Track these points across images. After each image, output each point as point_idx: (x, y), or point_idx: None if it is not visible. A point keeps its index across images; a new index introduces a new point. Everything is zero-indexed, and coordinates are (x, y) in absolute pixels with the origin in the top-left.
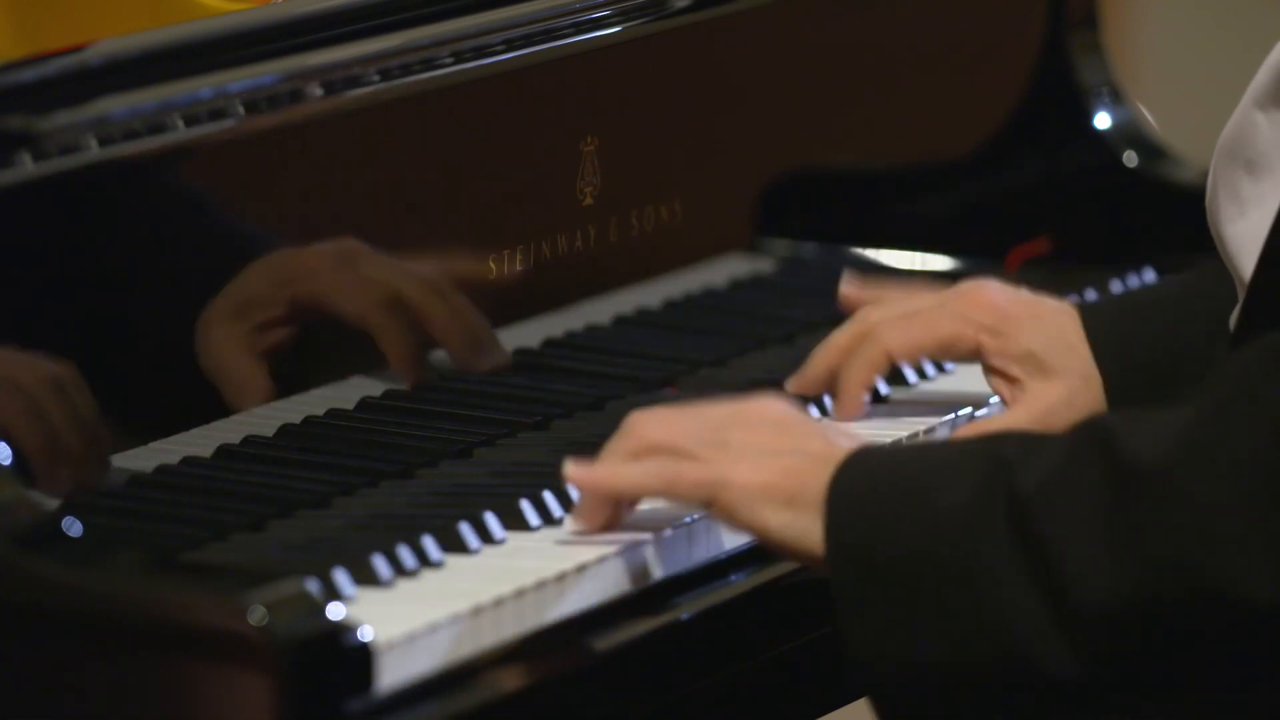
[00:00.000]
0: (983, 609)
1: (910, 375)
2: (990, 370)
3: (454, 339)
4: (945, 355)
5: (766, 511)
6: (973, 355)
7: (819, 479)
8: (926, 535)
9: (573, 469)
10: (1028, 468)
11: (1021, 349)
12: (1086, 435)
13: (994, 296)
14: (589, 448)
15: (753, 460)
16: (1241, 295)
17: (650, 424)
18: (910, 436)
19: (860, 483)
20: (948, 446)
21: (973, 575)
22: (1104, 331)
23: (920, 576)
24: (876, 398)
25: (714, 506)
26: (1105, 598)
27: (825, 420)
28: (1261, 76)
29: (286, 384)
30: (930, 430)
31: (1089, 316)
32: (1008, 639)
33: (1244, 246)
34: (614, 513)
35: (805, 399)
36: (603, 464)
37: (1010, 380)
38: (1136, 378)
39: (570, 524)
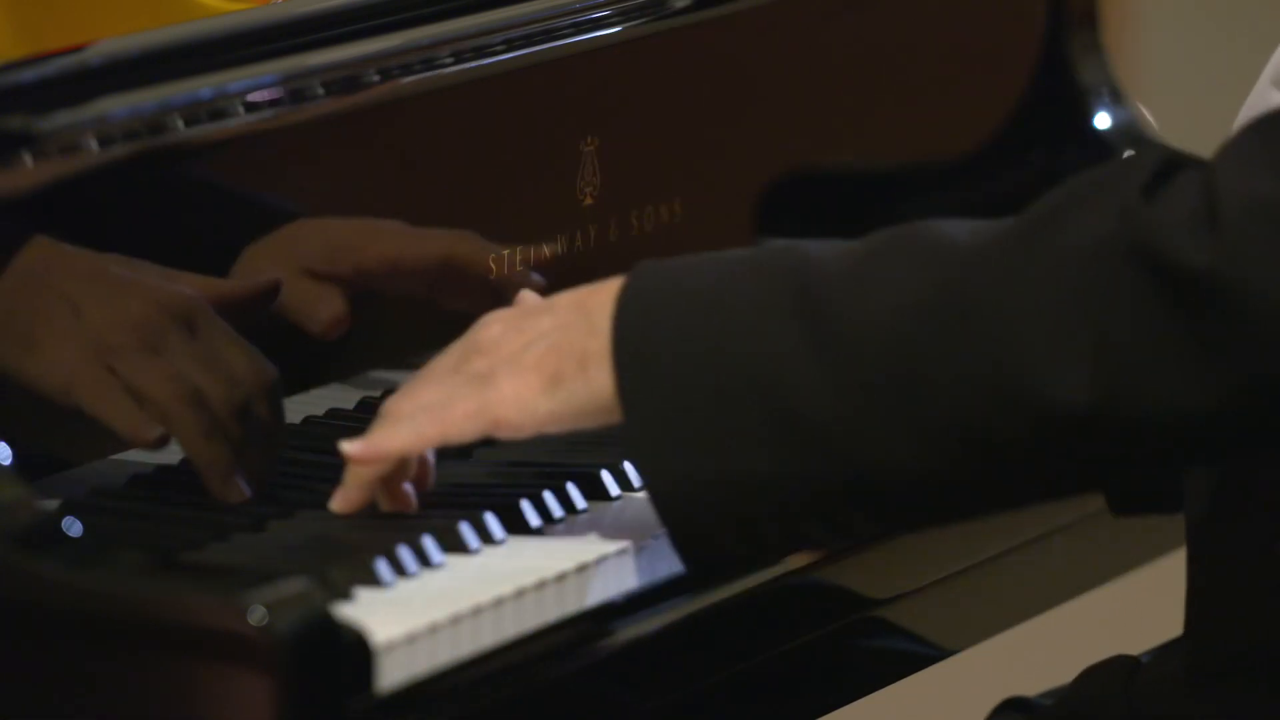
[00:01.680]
0: (778, 406)
1: None
2: None
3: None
4: None
5: (541, 402)
6: None
7: (573, 341)
8: (706, 327)
9: (346, 445)
10: (827, 261)
11: None
12: (892, 235)
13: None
14: (589, 447)
15: (507, 369)
16: None
17: (398, 399)
18: None
19: (646, 295)
20: (743, 253)
21: (762, 369)
22: None
23: (706, 373)
24: None
25: (498, 430)
26: (912, 391)
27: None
28: (1278, 56)
29: (286, 384)
30: None
31: None
32: (805, 433)
33: None
34: (393, 488)
35: None
36: (370, 436)
37: None
38: None
39: (333, 504)
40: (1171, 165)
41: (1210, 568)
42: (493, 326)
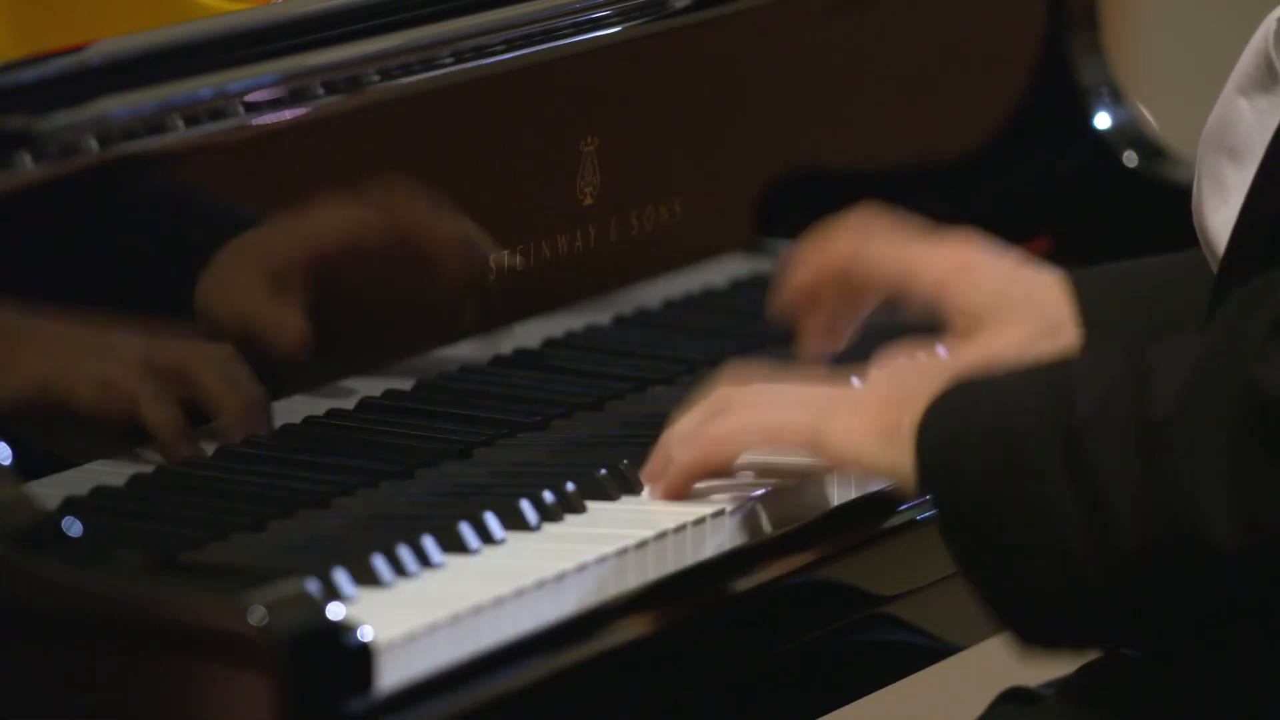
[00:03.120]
0: (1044, 529)
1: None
2: (947, 322)
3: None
4: (905, 285)
5: (867, 446)
6: (931, 298)
7: (913, 413)
8: (999, 468)
9: (676, 447)
10: (1084, 395)
11: (981, 300)
12: (1132, 372)
13: (966, 247)
14: (589, 448)
15: (850, 406)
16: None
17: (737, 392)
18: None
19: (945, 420)
20: (1026, 374)
21: (1034, 496)
22: (1092, 296)
23: (997, 511)
24: None
25: (818, 451)
26: (1128, 527)
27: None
28: (1243, 64)
29: (287, 384)
30: None
31: (1079, 281)
32: (1064, 557)
33: (1225, 233)
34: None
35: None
36: (698, 430)
37: (962, 332)
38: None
39: (652, 493)
40: None
41: None
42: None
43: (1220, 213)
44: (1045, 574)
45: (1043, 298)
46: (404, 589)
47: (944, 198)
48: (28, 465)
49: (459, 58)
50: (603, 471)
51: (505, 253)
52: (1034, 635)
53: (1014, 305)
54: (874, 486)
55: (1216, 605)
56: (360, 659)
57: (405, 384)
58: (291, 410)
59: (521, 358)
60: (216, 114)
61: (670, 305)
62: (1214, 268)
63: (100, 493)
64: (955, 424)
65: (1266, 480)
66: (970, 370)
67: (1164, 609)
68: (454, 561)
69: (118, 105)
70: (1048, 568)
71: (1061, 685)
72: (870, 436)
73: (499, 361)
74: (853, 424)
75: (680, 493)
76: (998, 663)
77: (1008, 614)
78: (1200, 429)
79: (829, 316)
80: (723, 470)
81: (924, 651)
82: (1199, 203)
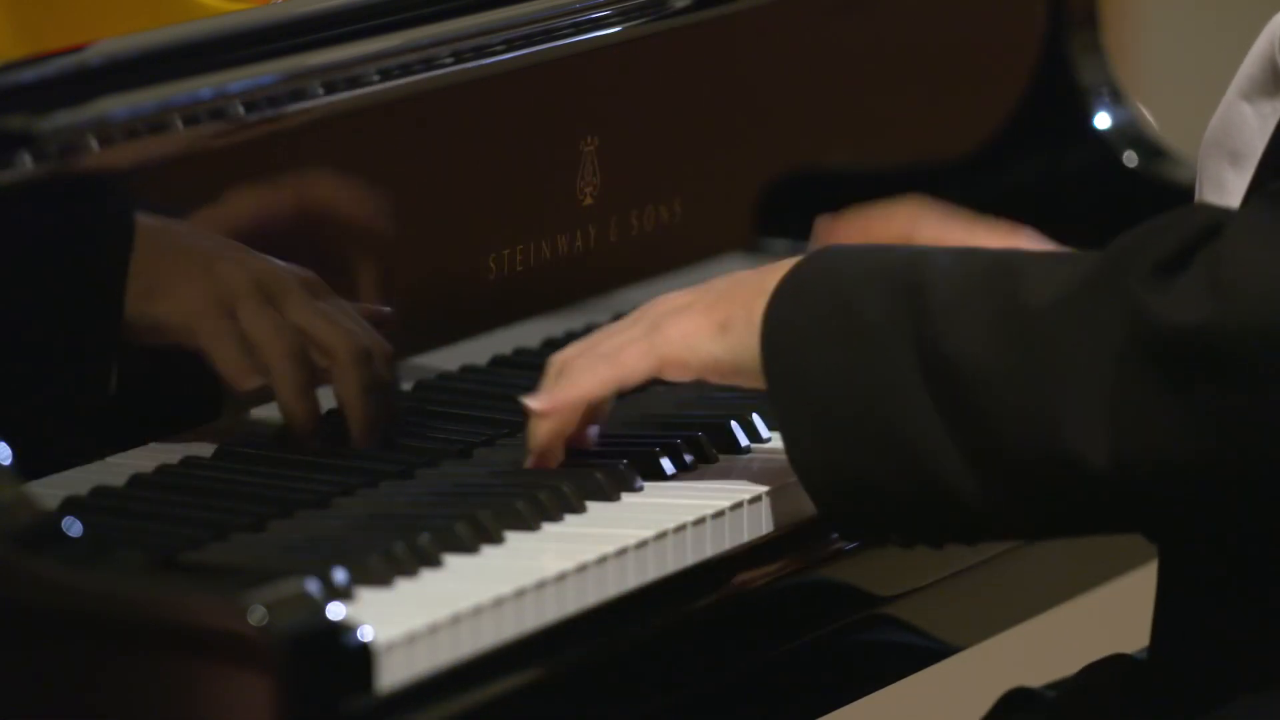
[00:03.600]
0: (890, 422)
1: None
2: None
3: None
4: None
5: (709, 343)
6: None
7: (747, 300)
8: (847, 352)
9: (528, 399)
10: (938, 286)
11: None
12: (997, 265)
13: (1022, 237)
14: (588, 450)
15: (679, 315)
16: None
17: (569, 351)
18: None
19: (792, 299)
20: (872, 251)
21: (882, 388)
22: None
23: (843, 395)
24: None
25: (665, 369)
26: (989, 425)
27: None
28: (1246, 67)
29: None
30: None
31: None
32: (910, 450)
33: None
34: (577, 434)
35: None
36: (550, 389)
37: None
38: None
39: (528, 463)
40: (1198, 235)
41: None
42: (669, 295)
43: None
44: (888, 467)
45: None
46: (404, 589)
47: (944, 198)
48: (28, 465)
49: (459, 58)
50: (602, 471)
51: (505, 253)
52: (862, 526)
53: None
54: None
55: (1085, 520)
56: (360, 659)
57: (405, 384)
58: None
59: (521, 358)
60: (216, 114)
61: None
62: None
63: (100, 493)
64: (803, 300)
65: (1146, 407)
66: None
67: (1024, 511)
68: (454, 561)
69: (118, 105)
70: (892, 460)
71: (1064, 686)
72: (705, 332)
73: (499, 361)
74: (686, 326)
75: (551, 462)
76: (999, 663)
77: (834, 495)
78: (1077, 335)
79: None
80: (582, 430)
81: (924, 652)
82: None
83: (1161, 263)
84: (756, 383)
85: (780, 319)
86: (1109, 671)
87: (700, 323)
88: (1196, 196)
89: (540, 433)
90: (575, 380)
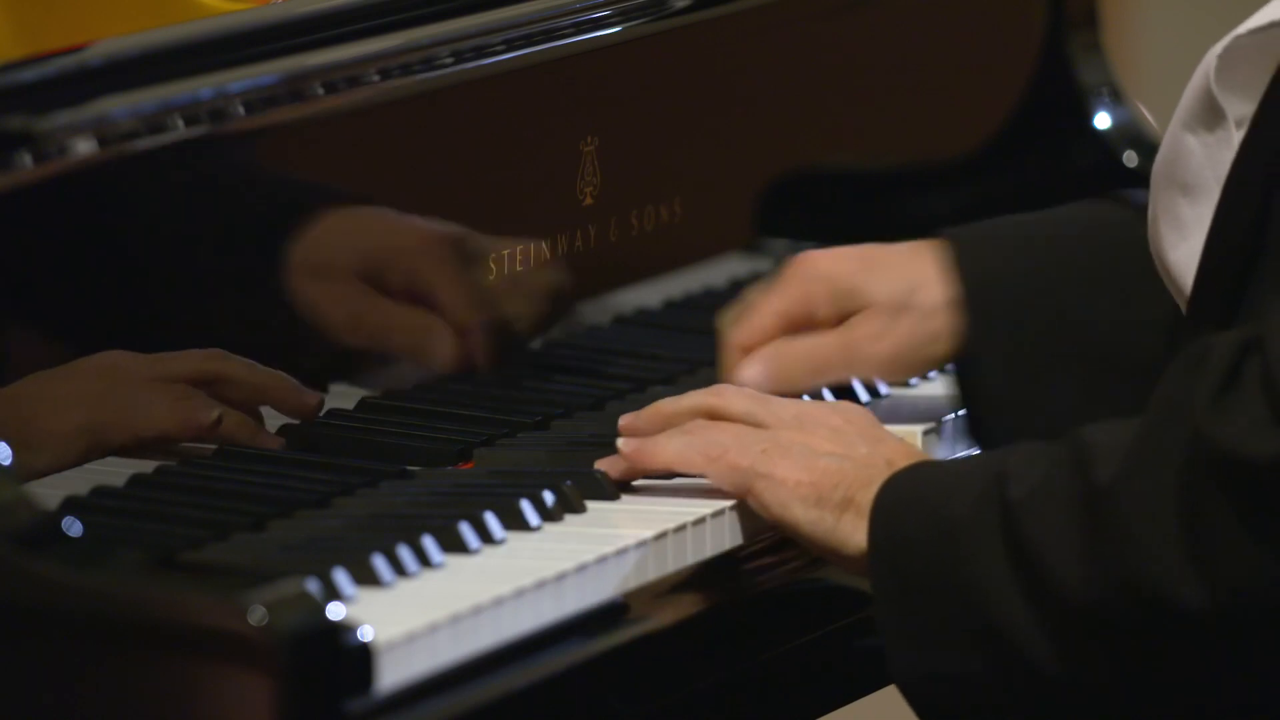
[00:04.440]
0: (980, 614)
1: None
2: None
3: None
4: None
5: (796, 508)
6: (807, 311)
7: (848, 481)
8: (937, 547)
9: (624, 443)
10: (1020, 479)
11: (841, 289)
12: (1068, 450)
13: (829, 252)
14: (589, 448)
15: (794, 458)
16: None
17: (737, 395)
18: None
19: (894, 500)
20: (964, 461)
21: (971, 582)
22: (964, 259)
23: (935, 588)
24: (875, 395)
25: (749, 496)
26: (1079, 600)
27: (889, 431)
28: (1187, 99)
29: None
30: (929, 429)
31: (950, 243)
32: (1002, 641)
33: (1187, 270)
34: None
35: None
36: (649, 443)
37: (837, 323)
38: (999, 295)
39: (605, 467)
40: (1239, 353)
41: None
42: (843, 410)
43: (1179, 249)
44: (982, 664)
45: (903, 269)
46: (404, 589)
47: (944, 198)
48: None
49: (459, 58)
50: (603, 472)
51: (505, 253)
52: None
53: (874, 288)
54: None
55: (1189, 672)
56: (360, 659)
57: (405, 384)
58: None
59: (521, 358)
60: (216, 114)
61: (670, 305)
62: (1180, 302)
63: (100, 493)
64: (901, 510)
65: (1225, 532)
66: (914, 458)
67: (1123, 680)
68: (454, 561)
69: (118, 105)
70: (984, 655)
71: None
72: (801, 497)
73: (499, 361)
74: (788, 476)
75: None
76: None
77: (931, 705)
78: (1147, 489)
79: None
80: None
81: None
82: (1156, 238)
83: (1215, 391)
84: (836, 562)
85: (885, 536)
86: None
87: (803, 481)
88: (1150, 228)
89: (614, 469)
90: (669, 448)
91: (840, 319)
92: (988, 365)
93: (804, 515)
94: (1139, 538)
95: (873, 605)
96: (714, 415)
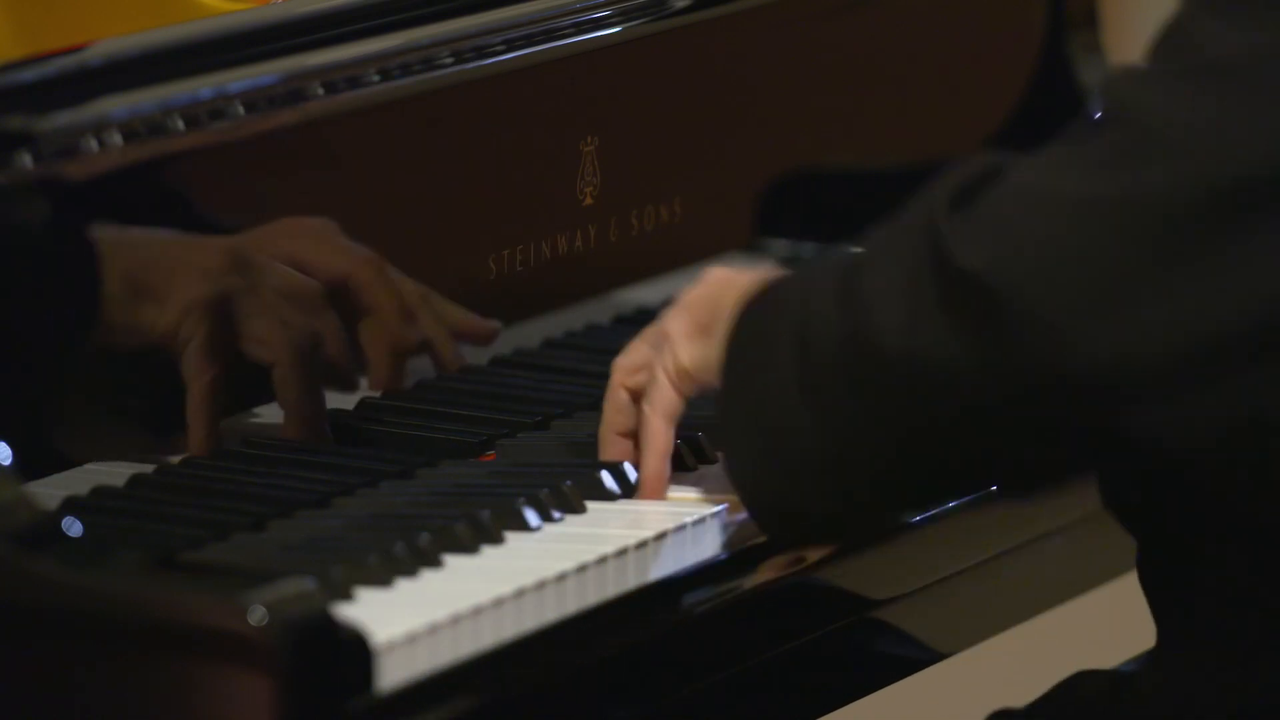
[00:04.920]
0: (772, 413)
1: None
2: None
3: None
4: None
5: (689, 347)
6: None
7: (725, 307)
8: (757, 356)
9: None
10: (867, 255)
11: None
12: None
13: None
14: (589, 448)
15: (679, 314)
16: None
17: (622, 362)
18: None
19: (749, 320)
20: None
21: (771, 386)
22: None
23: (747, 396)
24: None
25: (650, 388)
26: (827, 342)
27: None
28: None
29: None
30: None
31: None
32: (782, 430)
33: None
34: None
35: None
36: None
37: None
38: None
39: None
40: (985, 174)
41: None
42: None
43: None
44: (767, 451)
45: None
46: (404, 589)
47: None
48: (28, 465)
49: (459, 58)
50: (603, 471)
51: (505, 253)
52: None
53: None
54: None
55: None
56: (360, 659)
57: (405, 384)
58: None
59: (521, 358)
60: (216, 114)
61: (670, 305)
62: None
63: (100, 493)
64: (754, 325)
65: (938, 335)
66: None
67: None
68: (454, 561)
69: (118, 105)
70: (773, 444)
71: (1045, 701)
72: (691, 335)
73: (499, 361)
74: (680, 328)
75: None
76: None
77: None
78: (884, 257)
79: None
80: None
81: (912, 658)
82: None
83: (954, 198)
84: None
85: (739, 339)
86: (1083, 688)
87: (689, 321)
88: None
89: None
90: (652, 444)
91: None
92: None
93: (693, 351)
94: (868, 286)
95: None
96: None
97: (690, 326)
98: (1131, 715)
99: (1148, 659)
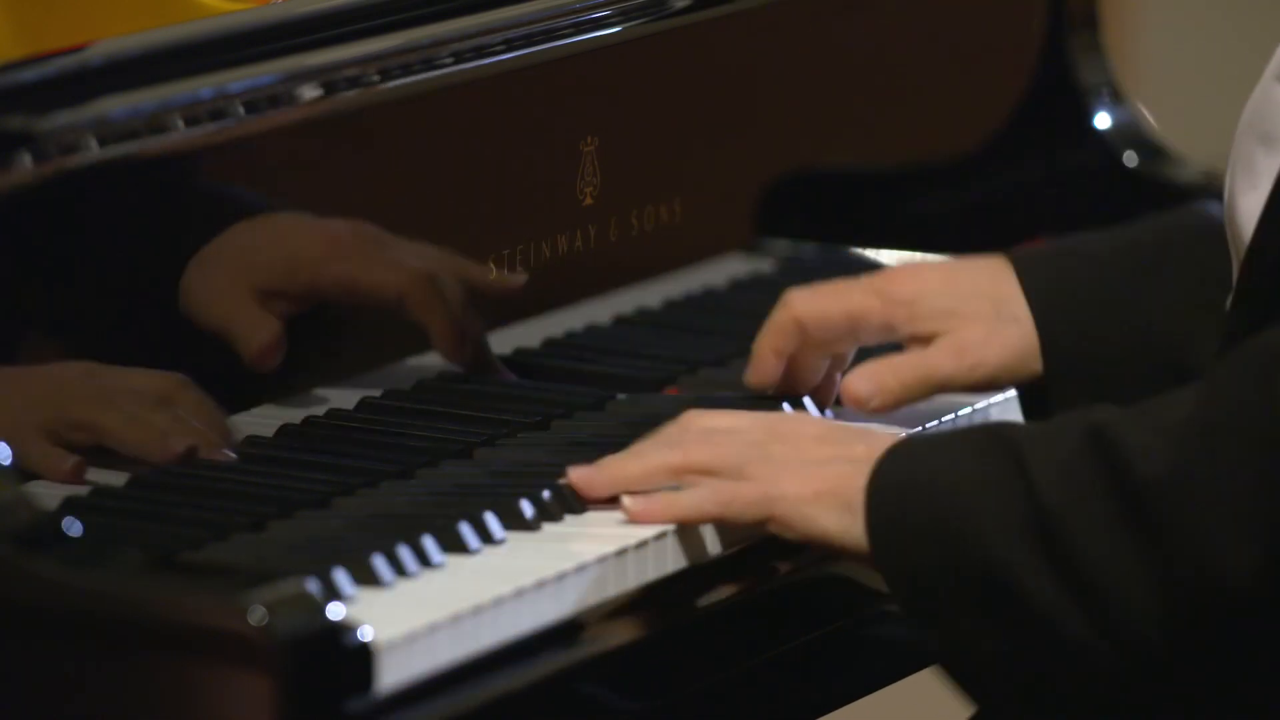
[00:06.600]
0: (1027, 619)
1: None
2: (907, 342)
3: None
4: (855, 329)
5: (823, 518)
6: (885, 332)
7: (861, 479)
8: (961, 551)
9: (630, 502)
10: (1045, 477)
11: (931, 308)
12: (1092, 440)
13: (909, 273)
14: (589, 448)
15: (799, 471)
16: (1237, 263)
17: (696, 442)
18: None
19: (892, 490)
20: (965, 440)
21: (1012, 592)
22: (1035, 275)
23: (963, 591)
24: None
25: (771, 523)
26: (1140, 606)
27: (863, 425)
28: None
29: (287, 384)
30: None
31: (1021, 261)
32: (1056, 645)
33: (1251, 219)
34: None
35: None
36: (658, 498)
37: (925, 340)
38: (1068, 317)
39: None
40: None
41: None
42: (807, 420)
43: (1249, 196)
44: (1024, 642)
45: (989, 284)
46: (404, 589)
47: (944, 198)
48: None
49: (459, 58)
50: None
51: (505, 253)
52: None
53: (963, 301)
54: None
55: (1242, 646)
56: (360, 659)
57: (405, 384)
58: (291, 411)
59: (521, 358)
60: (216, 114)
61: (670, 305)
62: (1236, 253)
63: (100, 493)
64: (902, 501)
65: None
66: (907, 439)
67: (1192, 668)
68: (454, 561)
69: (118, 105)
70: (1036, 662)
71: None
72: (820, 503)
73: (499, 361)
74: (804, 490)
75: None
76: None
77: (974, 672)
78: (1203, 488)
79: (812, 377)
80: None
81: (922, 654)
82: (1231, 189)
83: None
84: (857, 559)
85: (883, 520)
86: None
87: (821, 489)
88: (1228, 179)
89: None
90: (678, 500)
91: (920, 340)
92: (1068, 385)
93: (833, 524)
94: (1198, 531)
95: (892, 591)
96: (681, 471)
97: (819, 488)
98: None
99: None
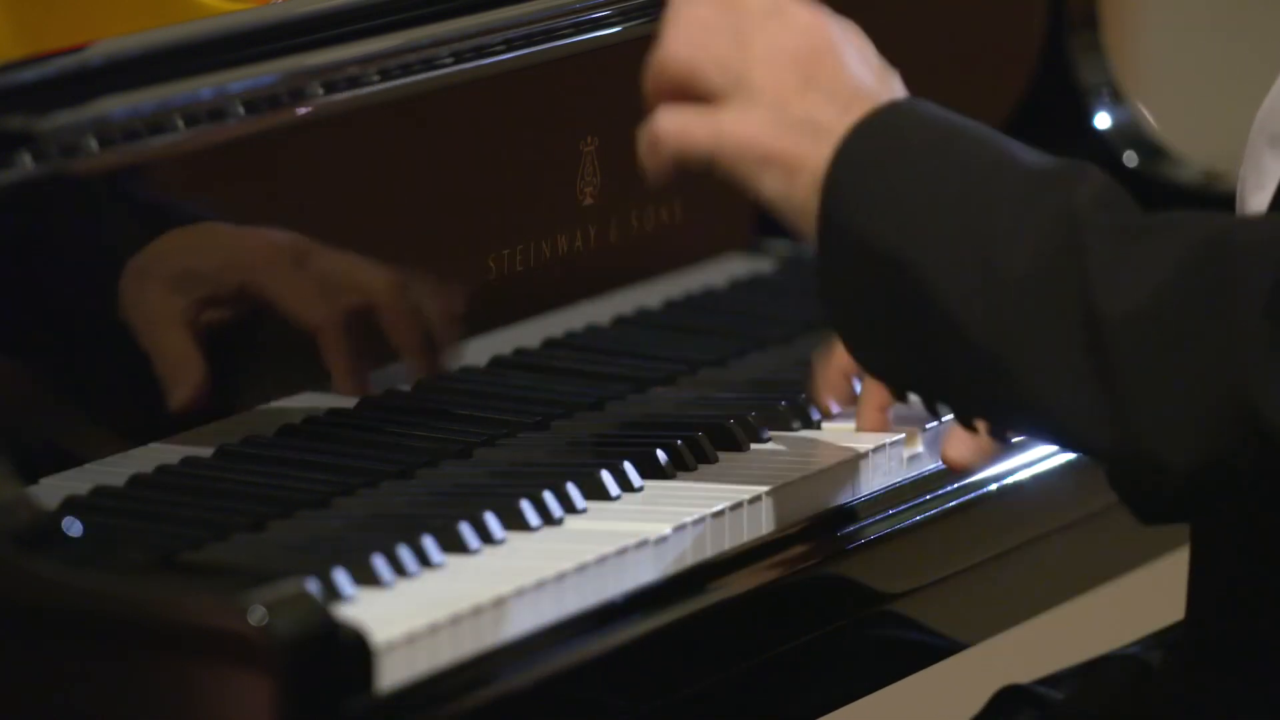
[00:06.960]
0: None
1: None
2: None
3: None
4: None
5: (765, 178)
6: None
7: (820, 156)
8: (909, 305)
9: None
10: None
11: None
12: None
13: None
14: (589, 448)
15: (761, 115)
16: None
17: (675, 45)
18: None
19: (867, 160)
20: (945, 159)
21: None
22: None
23: (904, 333)
24: None
25: (719, 161)
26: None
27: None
28: None
29: (286, 384)
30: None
31: None
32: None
33: None
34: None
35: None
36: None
37: None
38: None
39: None
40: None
41: (1212, 548)
42: (813, 28)
43: (1257, 196)
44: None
45: None
46: (404, 589)
47: None
48: (28, 465)
49: (459, 58)
50: (603, 471)
51: (505, 253)
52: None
53: None
54: (878, 486)
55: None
56: (360, 659)
57: (405, 384)
58: (292, 411)
59: (521, 358)
60: (216, 114)
61: (670, 305)
62: None
63: (100, 493)
64: (865, 193)
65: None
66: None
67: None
68: (454, 561)
69: (118, 105)
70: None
71: (1057, 682)
72: (767, 162)
73: (499, 362)
74: (757, 140)
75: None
76: (996, 660)
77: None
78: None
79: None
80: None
81: (930, 649)
82: (1241, 190)
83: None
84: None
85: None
86: (1104, 669)
87: (772, 149)
88: (1239, 180)
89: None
90: (658, 137)
91: None
92: None
93: (772, 187)
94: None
95: (818, 272)
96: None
97: (773, 151)
98: (1148, 698)
99: (1161, 642)
